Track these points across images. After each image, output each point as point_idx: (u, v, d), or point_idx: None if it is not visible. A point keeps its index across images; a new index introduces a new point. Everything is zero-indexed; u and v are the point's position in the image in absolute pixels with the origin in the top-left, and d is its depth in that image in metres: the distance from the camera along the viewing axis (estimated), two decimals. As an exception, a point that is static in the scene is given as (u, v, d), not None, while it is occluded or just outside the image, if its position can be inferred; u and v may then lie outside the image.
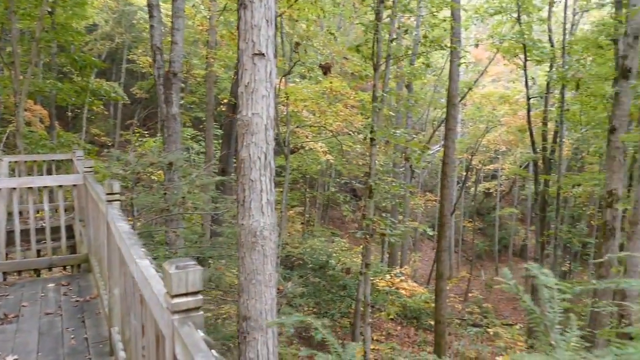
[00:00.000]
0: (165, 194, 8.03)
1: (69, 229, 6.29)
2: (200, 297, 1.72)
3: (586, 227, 22.69)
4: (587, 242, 21.16)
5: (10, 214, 5.82)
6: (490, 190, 32.22)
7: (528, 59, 17.64)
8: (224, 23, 16.12)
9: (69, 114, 22.42)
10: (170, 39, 9.68)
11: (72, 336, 4.20)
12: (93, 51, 24.57)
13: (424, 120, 30.47)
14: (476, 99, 24.93)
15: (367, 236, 10.32)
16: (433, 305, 14.00)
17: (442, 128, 18.24)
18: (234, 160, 9.36)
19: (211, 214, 11.41)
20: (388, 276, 18.40)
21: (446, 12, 13.22)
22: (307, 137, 17.39)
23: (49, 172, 8.13)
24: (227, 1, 14.83)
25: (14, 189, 5.69)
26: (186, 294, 1.69)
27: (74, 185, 6.11)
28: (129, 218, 7.77)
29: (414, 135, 18.28)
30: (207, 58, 16.06)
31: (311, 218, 25.78)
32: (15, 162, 8.12)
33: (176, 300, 1.68)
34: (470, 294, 22.38)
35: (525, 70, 18.27)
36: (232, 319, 10.60)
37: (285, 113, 14.52)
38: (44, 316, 4.62)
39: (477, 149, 26.67)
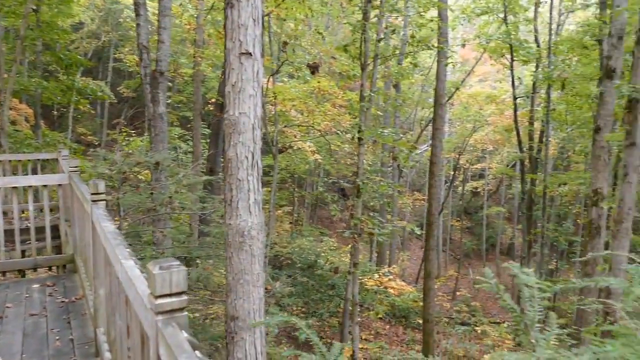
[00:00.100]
0: (152, 193, 7.98)
1: (55, 229, 6.23)
2: (184, 297, 1.72)
3: (572, 225, 22.90)
4: (573, 240, 21.38)
5: (-6, 214, 5.74)
6: (478, 190, 32.39)
7: (514, 59, 17.78)
8: (212, 22, 16.04)
9: (55, 112, 22.23)
10: (157, 38, 9.63)
11: (58, 337, 4.16)
12: (79, 49, 24.33)
13: (412, 119, 30.59)
14: (463, 99, 25.09)
15: (356, 235, 10.34)
16: (421, 304, 14.06)
17: (430, 127, 18.32)
18: (222, 159, 9.33)
19: (199, 214, 11.36)
20: (376, 275, 18.45)
21: (433, 12, 13.27)
22: (295, 136, 17.37)
23: (34, 172, 8.04)
24: (214, 0, 14.77)
25: (-2, 188, 5.63)
26: (170, 295, 1.68)
27: (60, 184, 6.04)
28: (116, 218, 7.72)
29: (402, 135, 18.35)
30: (194, 57, 15.96)
31: (300, 218, 25.76)
32: (0, 161, 8.02)
33: (160, 301, 1.67)
34: (458, 293, 22.50)
35: (511, 70, 18.42)
36: (220, 319, 10.56)
37: (273, 112, 14.50)
38: (28, 317, 4.57)
39: (465, 148, 26.83)
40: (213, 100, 16.66)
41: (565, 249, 22.94)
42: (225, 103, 4.30)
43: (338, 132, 16.31)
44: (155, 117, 9.31)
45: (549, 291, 1.45)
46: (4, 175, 7.79)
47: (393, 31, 12.57)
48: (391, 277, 19.02)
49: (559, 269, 22.75)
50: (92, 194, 3.82)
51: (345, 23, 14.43)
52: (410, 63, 14.54)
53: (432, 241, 13.40)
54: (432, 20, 12.24)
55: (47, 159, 8.39)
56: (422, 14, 12.65)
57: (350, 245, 11.81)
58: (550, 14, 18.14)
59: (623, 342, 1.28)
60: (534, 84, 18.37)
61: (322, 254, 18.43)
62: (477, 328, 16.81)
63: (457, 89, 20.85)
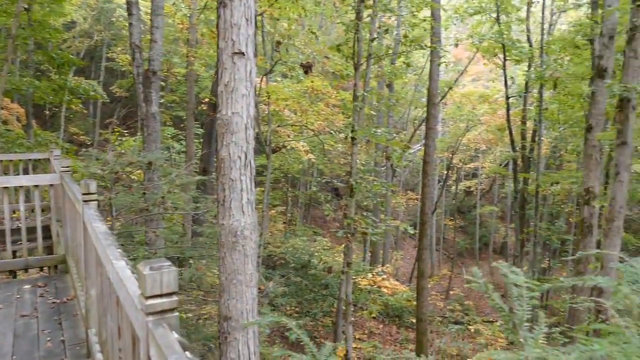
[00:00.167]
0: (144, 193, 7.95)
1: (46, 229, 6.19)
2: (175, 298, 1.71)
3: (565, 224, 23.03)
4: (565, 239, 21.49)
5: (-16, 215, 5.71)
6: (471, 189, 32.52)
7: (507, 58, 17.86)
8: (205, 21, 16.00)
9: (47, 112, 22.09)
10: (149, 37, 9.59)
11: (49, 338, 4.14)
12: (71, 49, 24.21)
13: (405, 119, 30.63)
14: (456, 98, 25.15)
15: (349, 235, 10.34)
16: (415, 303, 14.09)
17: (423, 127, 18.37)
18: (215, 159, 9.32)
19: (192, 214, 11.33)
20: (370, 275, 18.48)
21: (426, 12, 13.30)
22: (288, 136, 17.37)
23: (26, 172, 7.98)
24: (207, -1, 14.73)
25: (-11, 189, 5.59)
26: (161, 295, 1.68)
27: (51, 185, 6.01)
28: (108, 218, 7.69)
29: (395, 135, 18.35)
30: (187, 57, 15.92)
31: (293, 217, 25.76)
32: (-9, 161, 7.97)
33: (150, 301, 1.67)
34: (451, 292, 22.57)
35: (504, 69, 18.50)
36: (214, 319, 10.54)
37: (266, 112, 14.48)
38: (19, 318, 4.54)
39: (458, 147, 26.92)
40: (206, 99, 16.62)
41: (557, 248, 23.05)
42: (218, 103, 4.30)
43: (331, 131, 16.33)
44: (148, 116, 9.28)
45: (537, 290, 1.46)
46: (-5, 175, 7.75)
47: (386, 31, 12.57)
48: (385, 276, 19.06)
49: (551, 268, 22.85)
50: (84, 194, 3.80)
51: (338, 23, 14.42)
52: (404, 63, 14.55)
53: (425, 240, 13.42)
54: (425, 20, 12.27)
55: (39, 159, 8.34)
56: (415, 13, 12.67)
57: (343, 245, 11.82)
58: (543, 13, 18.23)
59: (610, 341, 1.29)
60: (526, 83, 18.45)
61: (316, 254, 18.44)
62: (470, 327, 16.87)
63: (450, 88, 20.90)
